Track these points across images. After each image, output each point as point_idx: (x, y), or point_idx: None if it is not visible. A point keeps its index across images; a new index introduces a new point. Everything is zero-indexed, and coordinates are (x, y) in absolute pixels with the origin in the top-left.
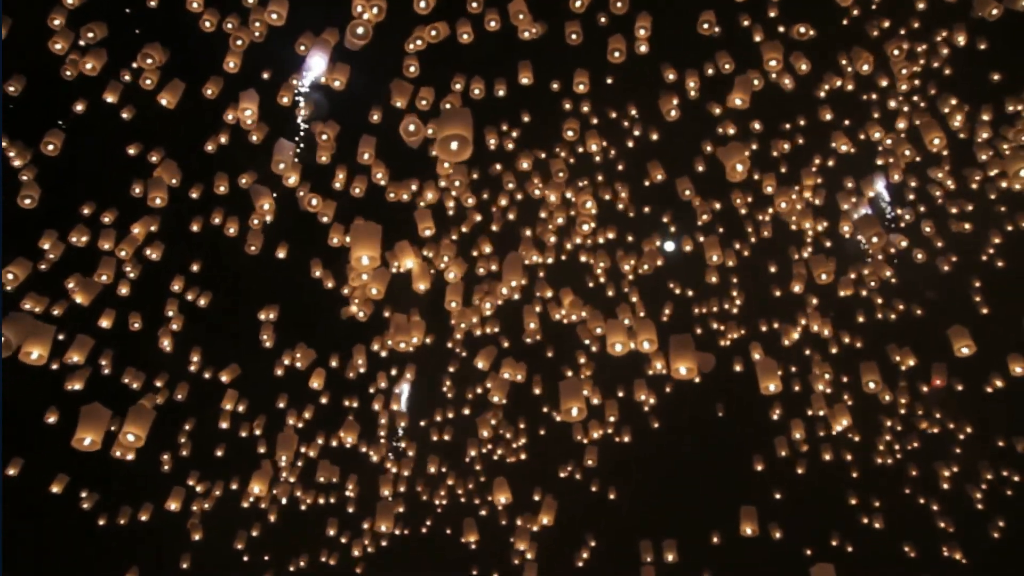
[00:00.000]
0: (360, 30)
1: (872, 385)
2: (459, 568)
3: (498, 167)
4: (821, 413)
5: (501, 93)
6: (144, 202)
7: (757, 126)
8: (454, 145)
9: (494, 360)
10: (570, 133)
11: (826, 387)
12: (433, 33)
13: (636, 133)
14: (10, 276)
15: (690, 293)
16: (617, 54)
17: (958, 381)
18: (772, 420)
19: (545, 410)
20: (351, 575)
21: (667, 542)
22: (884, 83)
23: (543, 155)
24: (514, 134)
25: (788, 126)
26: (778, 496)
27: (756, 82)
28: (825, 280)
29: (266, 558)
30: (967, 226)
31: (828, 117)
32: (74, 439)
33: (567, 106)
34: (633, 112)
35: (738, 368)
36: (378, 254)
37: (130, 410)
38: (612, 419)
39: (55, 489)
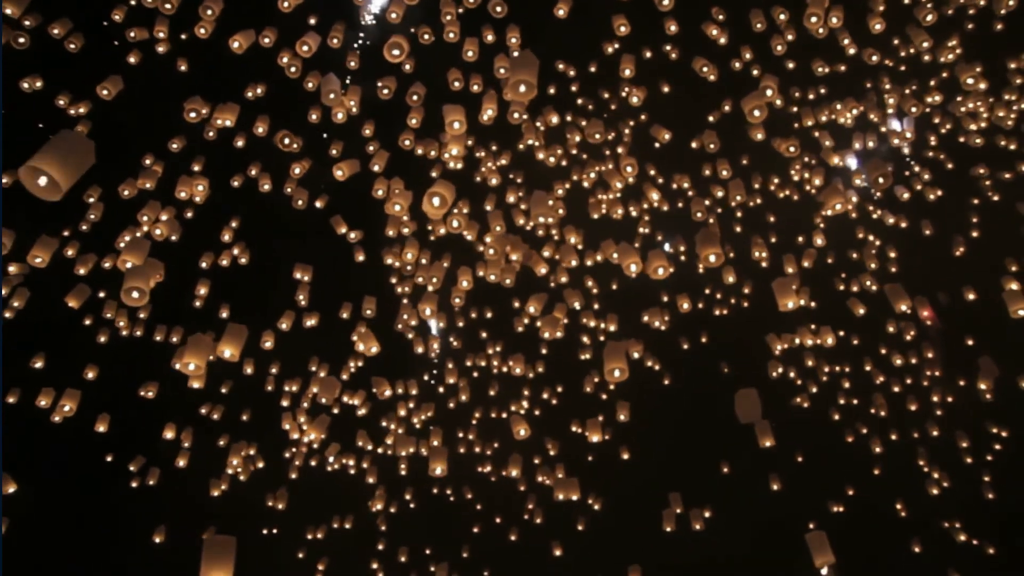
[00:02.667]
0: (396, 51)
1: (904, 308)
2: (478, 524)
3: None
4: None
5: (516, 54)
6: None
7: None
8: (522, 88)
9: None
10: (627, 72)
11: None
12: (498, 10)
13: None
14: (38, 260)
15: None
16: (667, 1)
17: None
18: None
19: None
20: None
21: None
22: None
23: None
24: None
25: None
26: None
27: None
28: (839, 211)
29: (279, 527)
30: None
31: (851, 52)
32: (180, 363)
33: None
34: (648, 55)
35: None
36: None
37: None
38: (636, 354)
39: (101, 428)
